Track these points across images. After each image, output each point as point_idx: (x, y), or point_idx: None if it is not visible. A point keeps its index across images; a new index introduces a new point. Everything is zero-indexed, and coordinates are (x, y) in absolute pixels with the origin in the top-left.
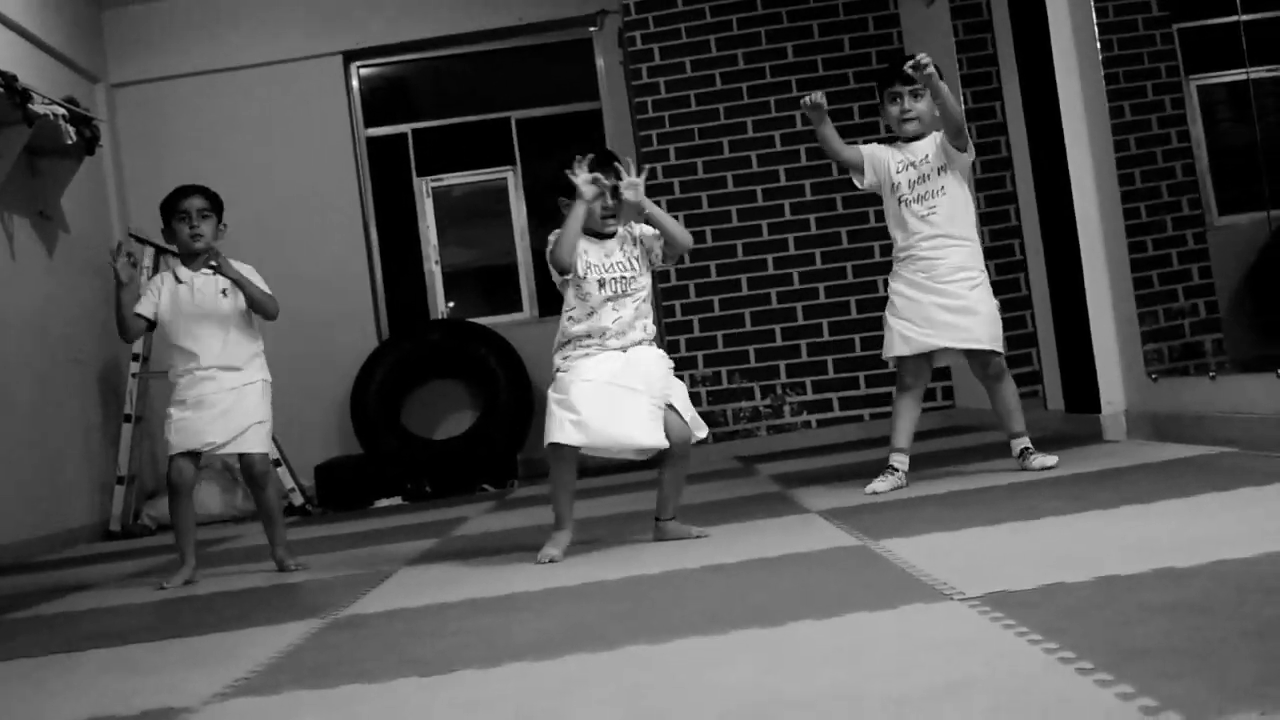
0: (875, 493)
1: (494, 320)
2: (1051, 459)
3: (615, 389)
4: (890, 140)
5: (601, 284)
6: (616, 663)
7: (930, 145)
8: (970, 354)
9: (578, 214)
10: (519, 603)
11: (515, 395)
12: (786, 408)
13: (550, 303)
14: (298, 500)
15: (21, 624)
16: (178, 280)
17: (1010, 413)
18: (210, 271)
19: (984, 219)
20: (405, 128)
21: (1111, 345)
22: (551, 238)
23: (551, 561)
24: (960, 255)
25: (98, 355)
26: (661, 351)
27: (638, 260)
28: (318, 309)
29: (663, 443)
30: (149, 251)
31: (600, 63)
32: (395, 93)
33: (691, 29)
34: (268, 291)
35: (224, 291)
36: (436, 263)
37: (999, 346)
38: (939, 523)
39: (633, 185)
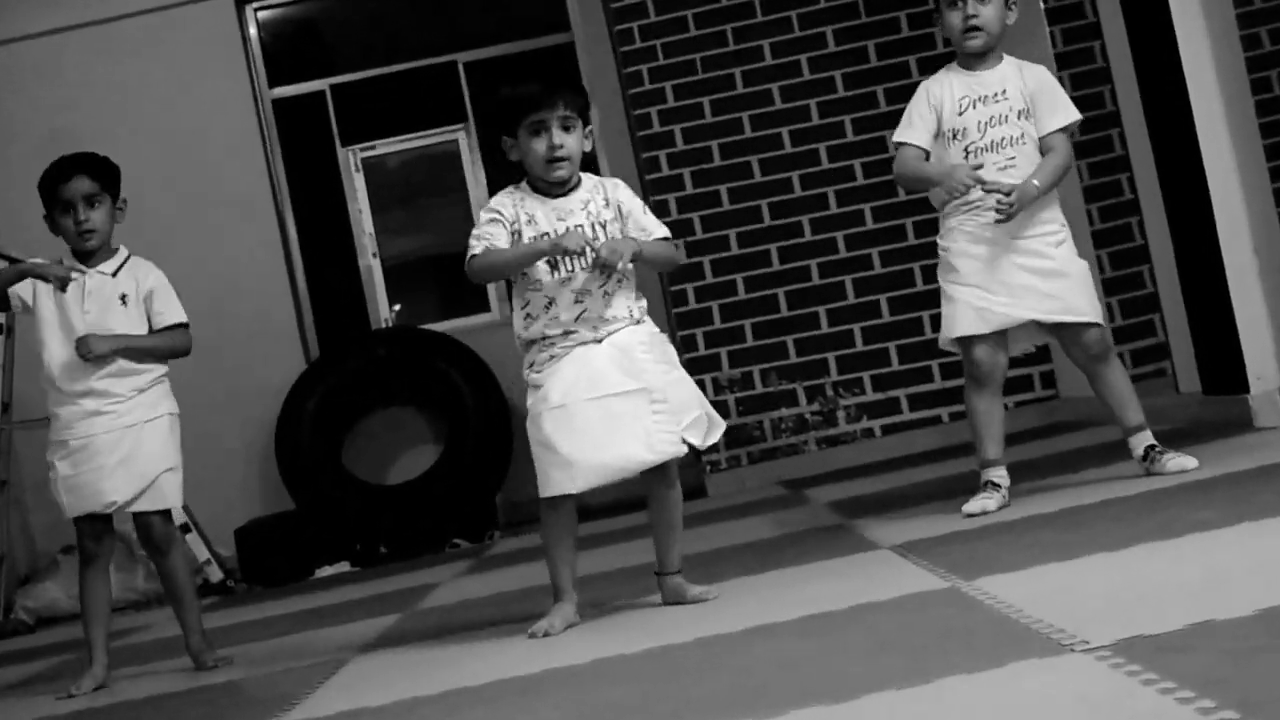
0: (975, 515)
1: (454, 325)
2: (1191, 460)
3: (598, 402)
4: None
5: (552, 266)
6: None
7: (1010, 76)
8: (1063, 332)
9: (523, 252)
10: (511, 691)
11: (488, 421)
12: (840, 414)
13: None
14: (215, 576)
15: None
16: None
17: (1125, 401)
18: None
19: (1079, 149)
20: (322, 84)
21: (1257, 303)
22: (474, 241)
23: (546, 635)
24: (1039, 204)
25: None
26: (652, 328)
27: (606, 228)
28: (224, 327)
29: (681, 449)
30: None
31: None
32: (306, 40)
33: None
34: (179, 320)
35: (123, 298)
36: (375, 255)
37: (1100, 318)
38: (1050, 551)
39: (612, 252)
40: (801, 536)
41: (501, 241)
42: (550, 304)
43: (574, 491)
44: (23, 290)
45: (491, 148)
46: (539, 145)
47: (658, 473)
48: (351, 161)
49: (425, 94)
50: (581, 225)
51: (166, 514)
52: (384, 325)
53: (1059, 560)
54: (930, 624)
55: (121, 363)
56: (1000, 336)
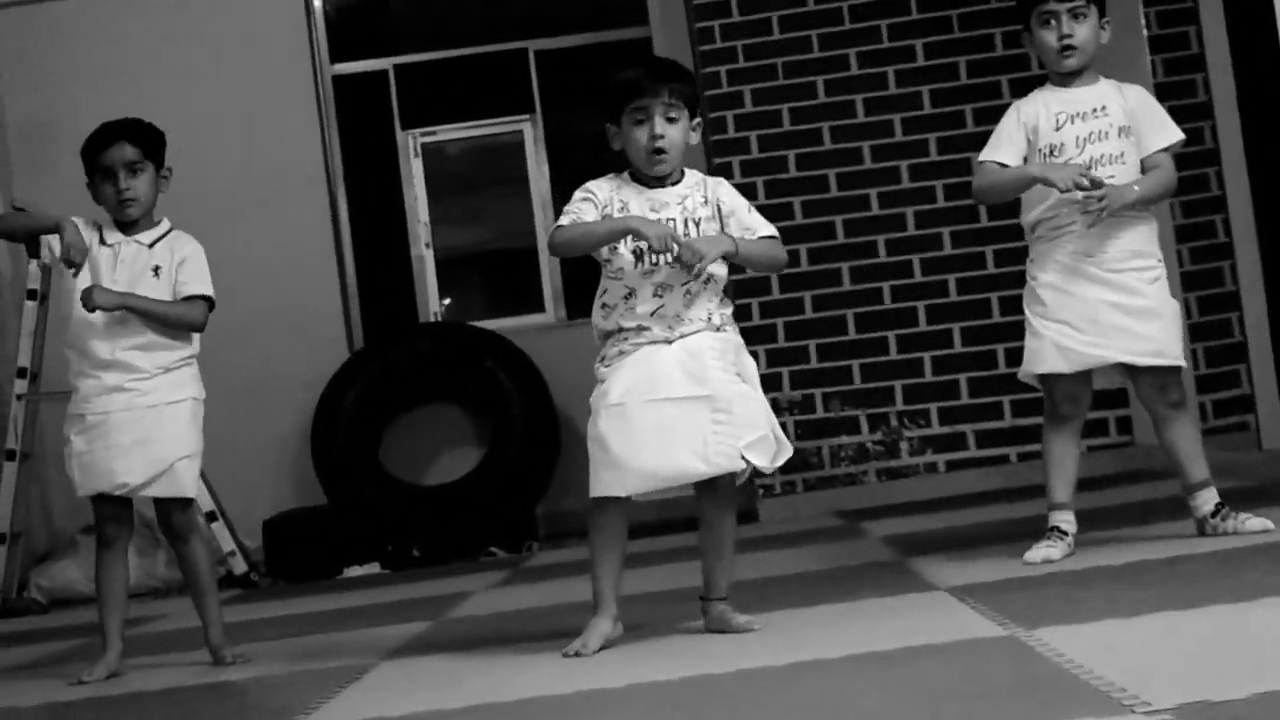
0: (1039, 562)
1: (505, 324)
2: (1264, 521)
3: (657, 405)
4: (1040, 84)
5: (638, 255)
6: None
7: (1110, 93)
8: (1142, 374)
9: (609, 228)
10: (543, 711)
11: (534, 426)
12: (903, 445)
13: (582, 300)
14: (239, 568)
15: None
16: (103, 241)
17: (1194, 454)
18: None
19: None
20: (386, 63)
21: None
22: (563, 216)
23: (577, 655)
24: (1137, 234)
25: None
26: (730, 336)
27: (699, 226)
28: (265, 307)
29: (738, 464)
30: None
31: None
32: (372, 16)
33: None
34: (202, 292)
35: (156, 269)
36: (428, 245)
37: (1183, 362)
38: (1115, 606)
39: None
40: (855, 571)
41: (590, 219)
42: (629, 295)
43: (621, 495)
44: (54, 242)
45: (557, 141)
46: (640, 134)
47: (712, 492)
48: (411, 146)
49: (492, 81)
50: (674, 219)
51: (187, 501)
52: (432, 319)
53: (1124, 616)
54: (986, 673)
55: (150, 336)
56: (1084, 376)
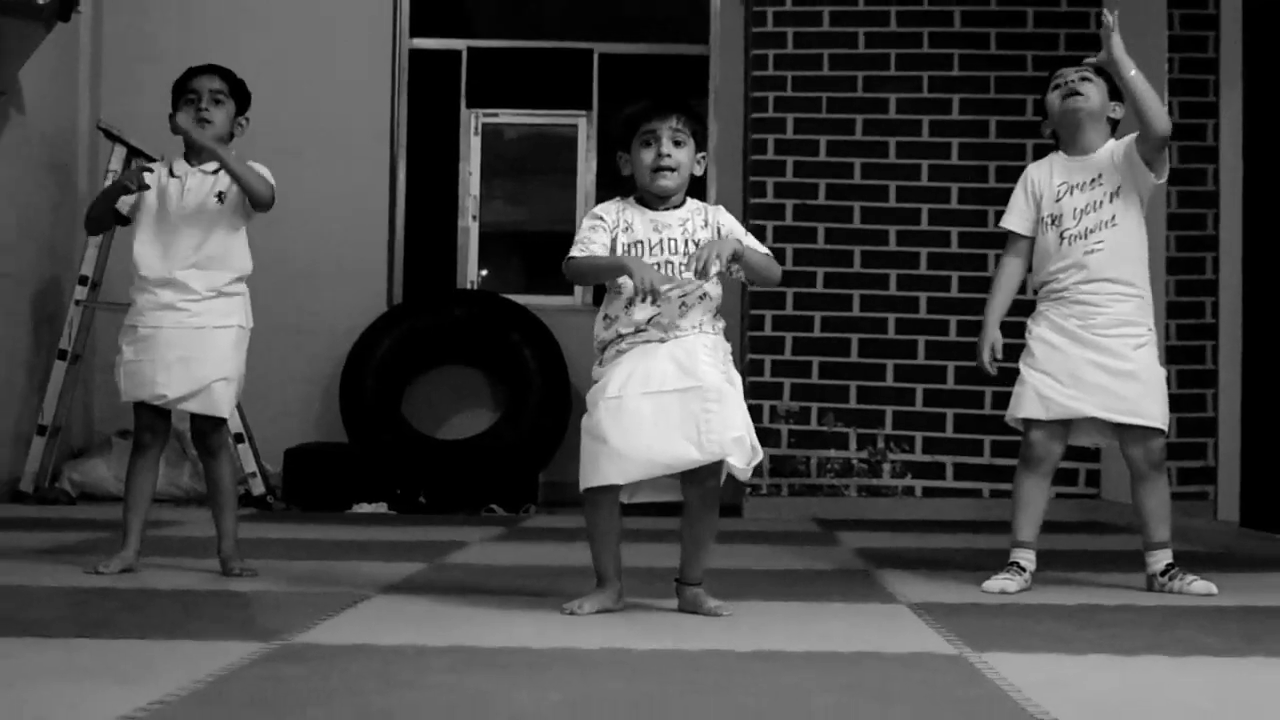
0: (995, 592)
1: (535, 301)
2: (1209, 585)
3: (653, 397)
4: (1052, 149)
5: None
6: None
7: (1105, 160)
8: (1125, 433)
9: (609, 264)
10: (518, 661)
11: (548, 398)
12: (886, 466)
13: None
14: (257, 489)
15: None
16: (171, 174)
17: (1160, 517)
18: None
19: (1170, 265)
20: (460, 44)
21: None
22: (575, 246)
23: (572, 614)
24: (1126, 307)
25: (32, 273)
26: (718, 339)
27: (699, 245)
28: (316, 253)
29: (730, 451)
30: (119, 152)
31: None
32: None
33: None
34: (263, 172)
35: (220, 195)
36: (475, 218)
37: (1166, 426)
38: (1061, 642)
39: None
40: (825, 575)
41: (599, 247)
42: (629, 305)
43: (621, 482)
44: (124, 204)
45: (607, 140)
46: (648, 155)
47: (699, 487)
48: (472, 124)
49: (556, 75)
50: (675, 238)
51: (220, 420)
52: (468, 286)
53: (1066, 652)
54: (933, 687)
55: (209, 251)
56: (1060, 426)
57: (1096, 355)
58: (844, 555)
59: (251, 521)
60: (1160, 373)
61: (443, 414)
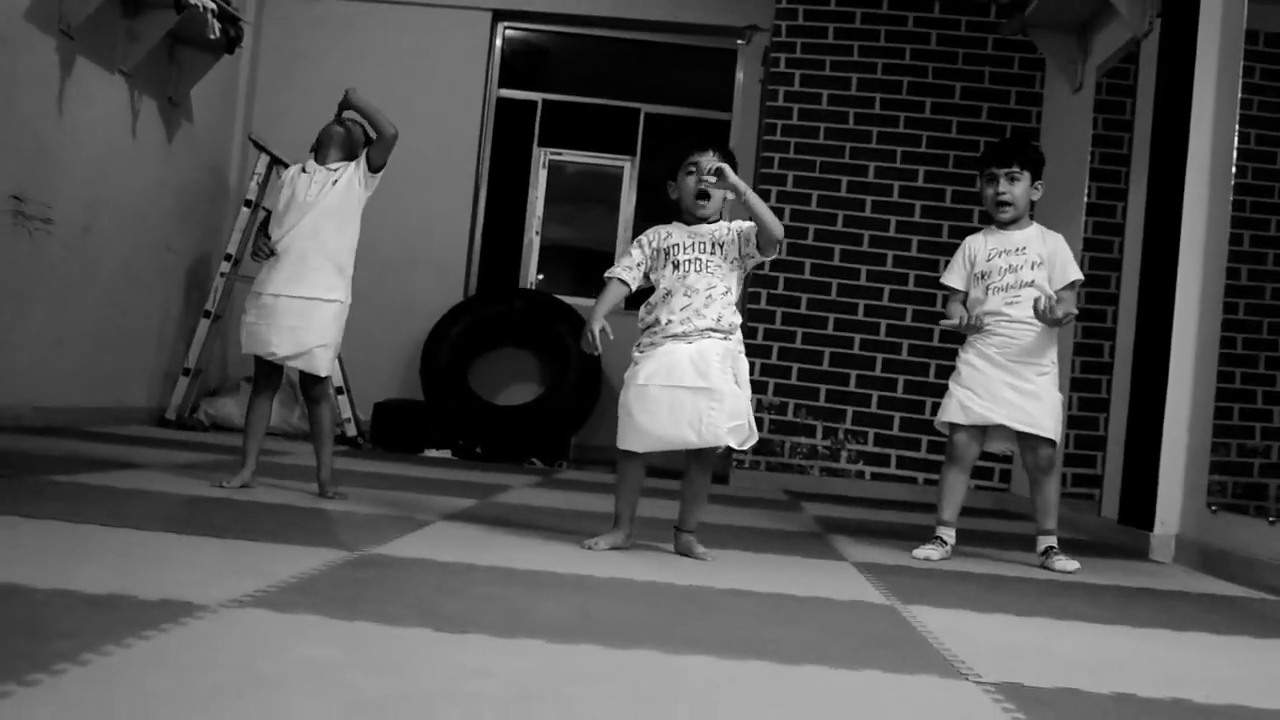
0: (921, 559)
1: (579, 301)
2: (1074, 564)
3: (670, 390)
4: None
5: (676, 265)
6: (627, 663)
7: (1033, 236)
8: (1024, 440)
9: (595, 309)
10: (545, 581)
11: (583, 378)
12: (844, 453)
13: (638, 298)
14: (351, 431)
15: (64, 489)
16: (303, 170)
17: (1048, 509)
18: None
19: (1081, 314)
20: (536, 96)
21: (1178, 467)
22: (615, 265)
23: (590, 549)
24: (1040, 341)
25: (190, 249)
26: (731, 346)
27: (724, 247)
28: (412, 252)
29: (723, 441)
30: (263, 160)
31: (740, 76)
32: (534, 59)
33: (836, 63)
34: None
35: (335, 181)
36: (537, 233)
37: (1057, 438)
38: (970, 601)
39: (717, 172)
40: (790, 536)
41: (622, 269)
42: (667, 295)
43: (639, 450)
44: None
45: (645, 182)
46: (690, 181)
47: (699, 457)
48: (541, 159)
49: (609, 125)
50: (704, 241)
51: (319, 378)
52: (528, 286)
53: (976, 610)
54: (867, 628)
55: (325, 235)
56: (978, 430)
57: (1010, 378)
58: (806, 521)
59: (344, 457)
60: (1057, 396)
61: (500, 385)
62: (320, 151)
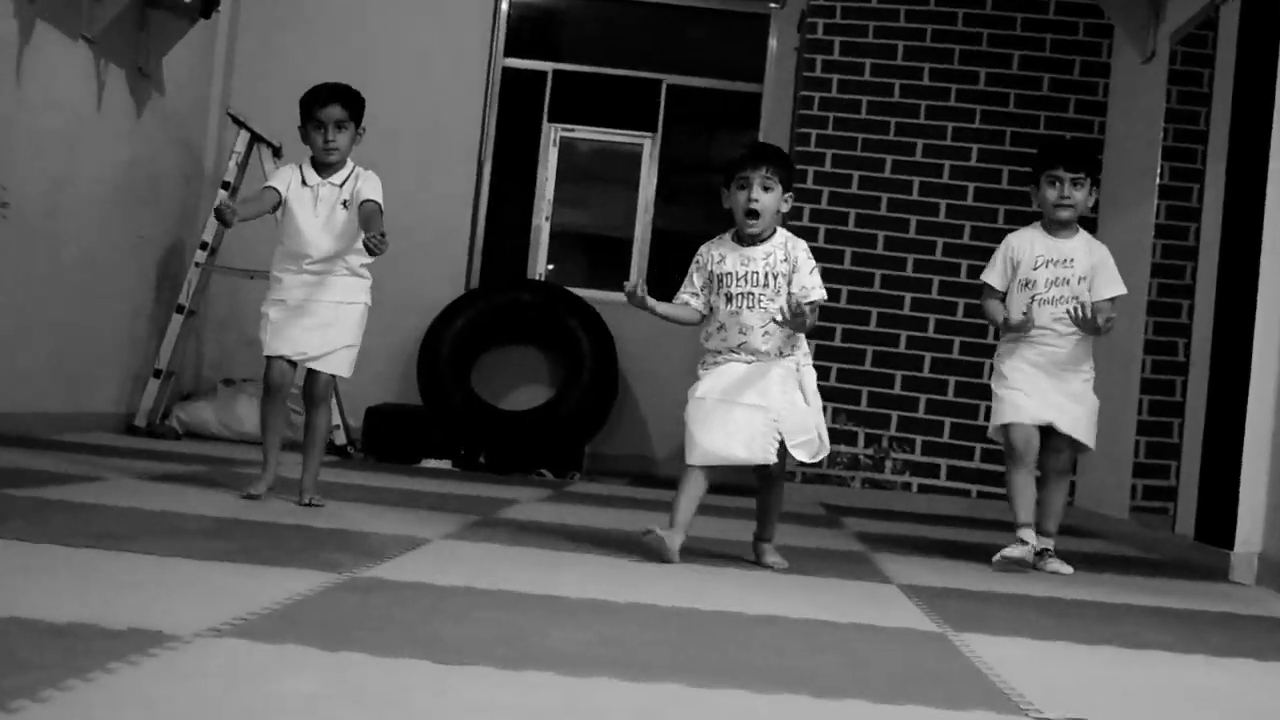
0: (1011, 558)
1: (593, 294)
2: (1068, 568)
3: (727, 406)
4: (1032, 222)
5: (729, 299)
6: (649, 699)
7: (1080, 248)
8: (1053, 441)
9: (658, 311)
10: (556, 606)
11: (598, 380)
12: (889, 463)
13: (660, 290)
14: (340, 440)
15: (22, 504)
16: (304, 183)
17: (1054, 513)
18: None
19: (1150, 308)
20: (546, 66)
21: (1262, 479)
22: (683, 289)
23: (648, 534)
24: (1081, 349)
25: (162, 236)
26: (791, 365)
27: (778, 279)
28: (409, 239)
29: (772, 459)
30: (243, 136)
31: (773, 44)
32: (543, 26)
33: (880, 29)
34: (375, 199)
35: (344, 203)
36: (546, 219)
37: (1093, 446)
38: (1029, 628)
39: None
40: (829, 555)
41: (696, 291)
42: (721, 328)
43: (697, 464)
44: (277, 183)
45: (667, 160)
46: (741, 197)
47: (764, 470)
48: (551, 136)
49: (628, 99)
50: (757, 271)
51: (333, 379)
52: (537, 277)
53: (1036, 637)
54: (914, 658)
55: (341, 245)
56: (1035, 430)
57: (1057, 381)
58: (846, 538)
59: (332, 468)
60: (1095, 401)
61: (505, 386)
62: (320, 165)
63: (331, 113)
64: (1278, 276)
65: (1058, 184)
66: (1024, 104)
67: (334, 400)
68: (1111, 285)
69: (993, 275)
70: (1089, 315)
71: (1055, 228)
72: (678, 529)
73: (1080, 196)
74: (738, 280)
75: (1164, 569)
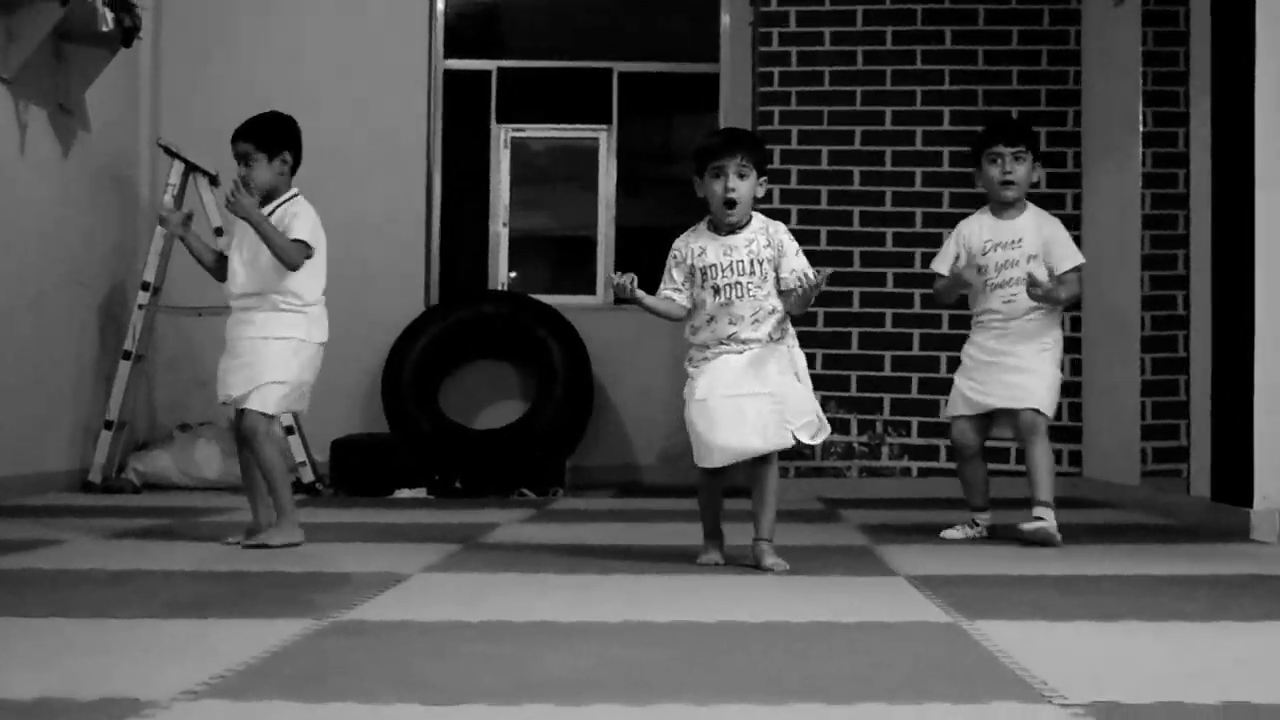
0: (949, 539)
1: (561, 300)
2: (1051, 539)
3: (731, 400)
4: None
5: (716, 290)
6: None
7: (1029, 225)
8: (1007, 414)
9: (646, 303)
10: (548, 632)
11: (573, 390)
12: (885, 449)
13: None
14: (307, 477)
15: None
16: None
17: (1041, 478)
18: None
19: (1145, 261)
20: (490, 64)
21: (1277, 431)
22: (662, 285)
23: (716, 565)
24: (1035, 326)
25: (102, 279)
26: (789, 349)
27: (764, 265)
28: (359, 260)
29: (789, 442)
30: (177, 167)
31: (725, 20)
32: (483, 23)
33: None
34: (301, 237)
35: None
36: (504, 225)
37: (1045, 409)
38: (1047, 609)
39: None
40: (830, 551)
41: (678, 287)
42: (711, 320)
43: (708, 466)
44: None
45: (626, 151)
46: (717, 187)
47: (761, 462)
48: (501, 138)
49: (578, 92)
50: (742, 260)
51: (256, 414)
52: (499, 287)
53: (1054, 619)
54: (928, 652)
55: (267, 276)
56: (980, 419)
57: (1006, 359)
58: (847, 532)
59: (302, 507)
60: (1052, 370)
61: (476, 405)
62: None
63: (238, 148)
64: (1275, 215)
65: (999, 160)
66: (994, 60)
67: (297, 435)
68: (1069, 258)
69: (942, 263)
70: (1046, 288)
71: (1001, 208)
72: (715, 542)
73: (1023, 171)
74: (723, 271)
75: (1183, 534)
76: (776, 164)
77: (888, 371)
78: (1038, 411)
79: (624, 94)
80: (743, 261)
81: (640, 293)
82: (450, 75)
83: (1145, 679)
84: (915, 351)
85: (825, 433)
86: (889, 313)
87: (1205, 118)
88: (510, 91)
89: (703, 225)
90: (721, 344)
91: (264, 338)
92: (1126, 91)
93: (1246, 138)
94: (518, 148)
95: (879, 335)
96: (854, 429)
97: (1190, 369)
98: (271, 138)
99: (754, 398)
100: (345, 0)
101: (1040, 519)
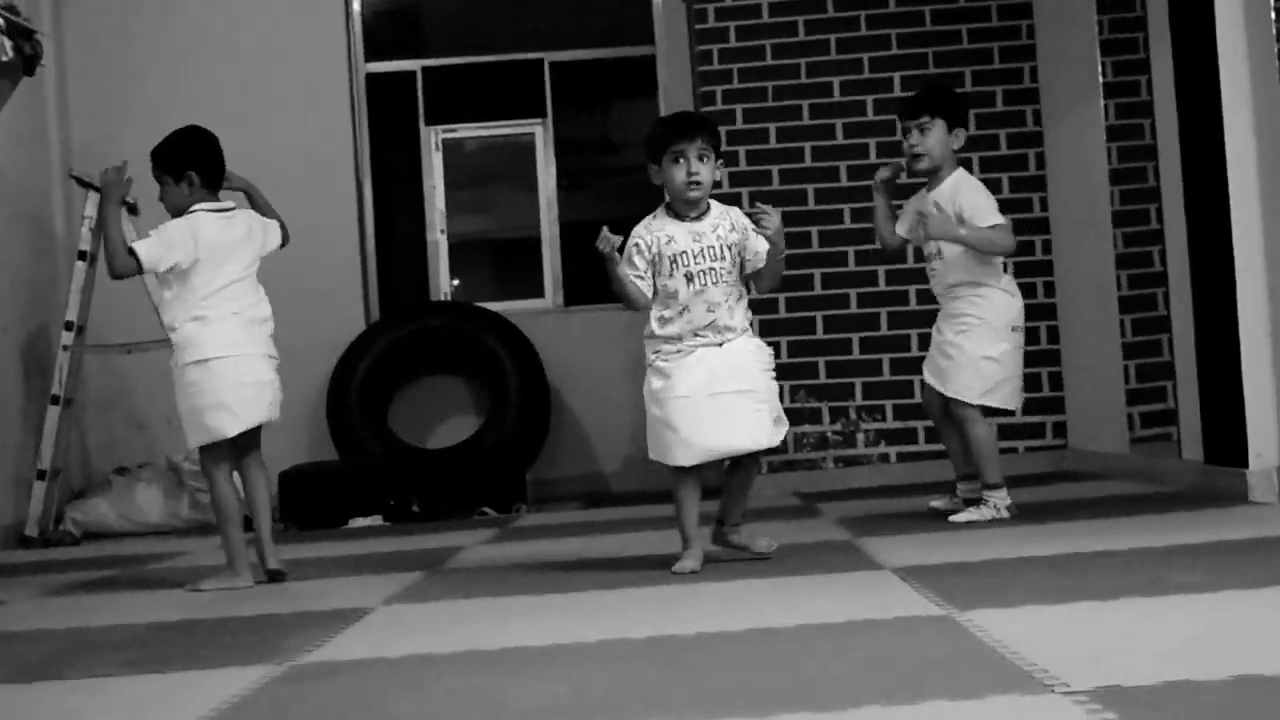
0: (935, 507)
1: (508, 307)
2: (968, 515)
3: (716, 399)
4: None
5: (689, 279)
6: None
7: (945, 193)
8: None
9: (617, 275)
10: (521, 659)
11: (528, 400)
12: (860, 436)
13: (578, 290)
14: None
15: None
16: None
17: (978, 459)
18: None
19: (1117, 218)
20: (414, 65)
21: (1268, 385)
22: (623, 267)
23: (692, 573)
24: (959, 303)
25: (21, 321)
26: (759, 342)
27: (732, 249)
28: (292, 280)
29: (777, 440)
30: (92, 198)
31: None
32: (405, 22)
33: None
34: (133, 245)
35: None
36: (442, 231)
37: (965, 397)
38: (1042, 593)
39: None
40: (810, 548)
41: (641, 274)
42: (685, 310)
43: (689, 464)
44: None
45: (564, 144)
46: (679, 172)
47: (744, 456)
48: (432, 140)
49: (509, 86)
50: (713, 245)
51: (200, 451)
52: (442, 298)
53: (1050, 602)
54: (921, 648)
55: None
56: (931, 390)
57: (940, 337)
58: (827, 527)
59: (251, 545)
60: (977, 353)
61: (428, 423)
62: None
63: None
64: (1248, 157)
65: (907, 134)
66: (942, 19)
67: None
68: (985, 217)
69: (901, 226)
70: (934, 225)
71: (926, 178)
72: (694, 547)
73: (932, 141)
74: (694, 258)
75: (1177, 501)
76: (725, 145)
77: (857, 354)
78: (959, 400)
79: (557, 85)
80: (714, 247)
81: (619, 256)
82: (373, 79)
83: (1150, 658)
84: (884, 331)
85: (783, 430)
86: (853, 293)
87: (1167, 61)
88: (438, 91)
89: (662, 211)
90: (698, 334)
91: (173, 369)
92: (1082, 43)
93: (1212, 79)
94: (450, 149)
95: (845, 317)
96: (826, 418)
97: (1172, 327)
98: (171, 160)
99: (738, 395)
100: (254, 8)
101: (986, 501)
